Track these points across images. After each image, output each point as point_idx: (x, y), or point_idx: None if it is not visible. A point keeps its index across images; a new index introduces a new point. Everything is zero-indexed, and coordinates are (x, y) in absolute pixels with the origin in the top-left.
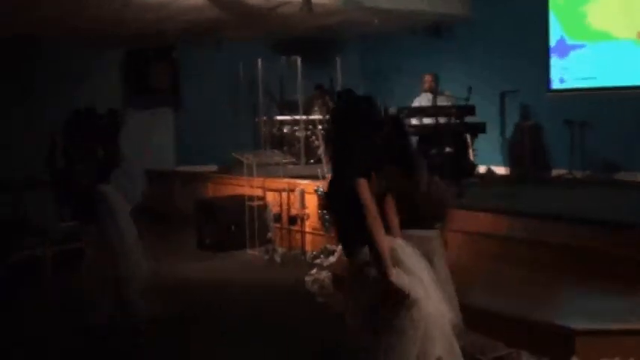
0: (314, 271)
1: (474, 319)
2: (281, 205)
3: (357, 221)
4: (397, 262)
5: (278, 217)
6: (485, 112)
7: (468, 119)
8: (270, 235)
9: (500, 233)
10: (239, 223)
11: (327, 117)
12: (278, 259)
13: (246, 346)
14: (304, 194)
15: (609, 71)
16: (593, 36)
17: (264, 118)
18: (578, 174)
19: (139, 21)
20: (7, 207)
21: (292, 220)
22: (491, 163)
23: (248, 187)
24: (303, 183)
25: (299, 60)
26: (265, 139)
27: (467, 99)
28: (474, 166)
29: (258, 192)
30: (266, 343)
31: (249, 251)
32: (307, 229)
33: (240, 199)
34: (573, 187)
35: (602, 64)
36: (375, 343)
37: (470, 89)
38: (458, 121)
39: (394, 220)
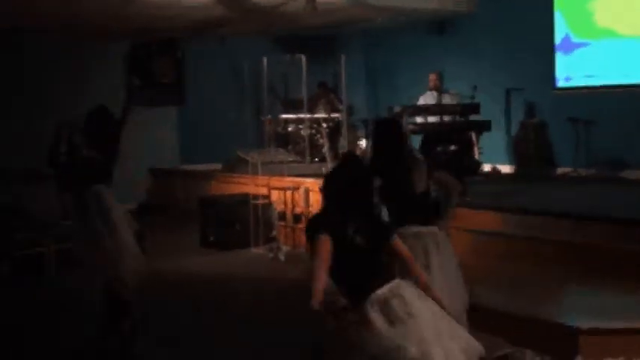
0: None
1: (478, 317)
2: (285, 204)
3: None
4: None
5: (282, 216)
6: (491, 109)
7: (473, 117)
8: (274, 233)
9: (505, 231)
10: (243, 222)
11: (332, 115)
12: (282, 257)
13: (249, 343)
14: (309, 192)
15: (615, 69)
16: (598, 33)
17: (269, 116)
18: (584, 172)
19: (142, 16)
20: (7, 201)
21: (297, 218)
22: (496, 161)
23: (253, 185)
24: (308, 181)
25: (304, 58)
26: (270, 137)
27: (472, 97)
28: (478, 164)
29: (263, 190)
30: (269, 340)
31: (254, 249)
32: None
33: (245, 197)
34: (578, 184)
35: (607, 61)
36: None
37: (475, 87)
38: (463, 119)
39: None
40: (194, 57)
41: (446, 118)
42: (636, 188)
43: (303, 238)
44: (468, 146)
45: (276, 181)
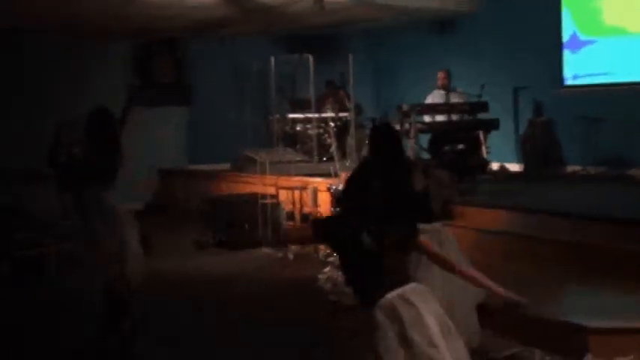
0: (327, 269)
1: (487, 317)
2: (294, 203)
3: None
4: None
5: (291, 215)
6: (499, 108)
7: (481, 116)
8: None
9: (512, 230)
10: (252, 221)
11: (340, 114)
12: (291, 256)
13: (257, 342)
14: (317, 192)
15: (622, 66)
16: (605, 31)
17: (277, 116)
18: (592, 170)
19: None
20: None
21: (305, 218)
22: (504, 160)
23: (261, 185)
24: (316, 181)
25: (311, 58)
26: (278, 137)
27: (479, 96)
28: (486, 162)
29: (271, 190)
30: (277, 339)
31: (262, 249)
32: None
33: (253, 197)
34: (587, 183)
35: (615, 59)
36: None
37: (482, 86)
38: (471, 117)
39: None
40: (199, 57)
41: (454, 117)
42: None
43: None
44: (476, 145)
45: (284, 181)
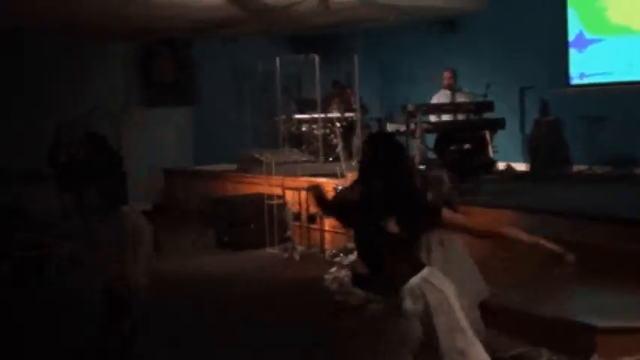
0: (333, 269)
1: (493, 317)
2: (300, 204)
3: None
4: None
5: (297, 216)
6: (505, 108)
7: (487, 115)
8: (289, 233)
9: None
10: (258, 222)
11: (346, 114)
12: (297, 257)
13: (258, 342)
14: None
15: (629, 65)
16: (612, 30)
17: (283, 116)
18: (599, 170)
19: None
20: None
21: (311, 218)
22: (511, 160)
23: (267, 185)
24: (322, 181)
25: (317, 58)
26: (284, 137)
27: (485, 95)
28: (493, 162)
29: (277, 190)
30: (278, 339)
31: (269, 249)
32: (326, 228)
33: (259, 197)
34: (593, 183)
35: (621, 58)
36: None
37: (488, 86)
38: (477, 117)
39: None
40: (201, 57)
41: (460, 117)
42: None
43: (317, 237)
44: (482, 144)
45: (290, 181)
